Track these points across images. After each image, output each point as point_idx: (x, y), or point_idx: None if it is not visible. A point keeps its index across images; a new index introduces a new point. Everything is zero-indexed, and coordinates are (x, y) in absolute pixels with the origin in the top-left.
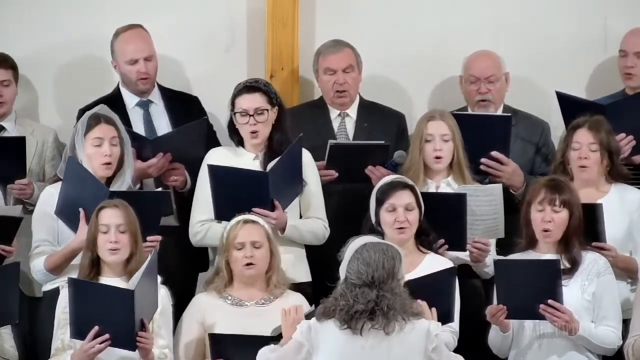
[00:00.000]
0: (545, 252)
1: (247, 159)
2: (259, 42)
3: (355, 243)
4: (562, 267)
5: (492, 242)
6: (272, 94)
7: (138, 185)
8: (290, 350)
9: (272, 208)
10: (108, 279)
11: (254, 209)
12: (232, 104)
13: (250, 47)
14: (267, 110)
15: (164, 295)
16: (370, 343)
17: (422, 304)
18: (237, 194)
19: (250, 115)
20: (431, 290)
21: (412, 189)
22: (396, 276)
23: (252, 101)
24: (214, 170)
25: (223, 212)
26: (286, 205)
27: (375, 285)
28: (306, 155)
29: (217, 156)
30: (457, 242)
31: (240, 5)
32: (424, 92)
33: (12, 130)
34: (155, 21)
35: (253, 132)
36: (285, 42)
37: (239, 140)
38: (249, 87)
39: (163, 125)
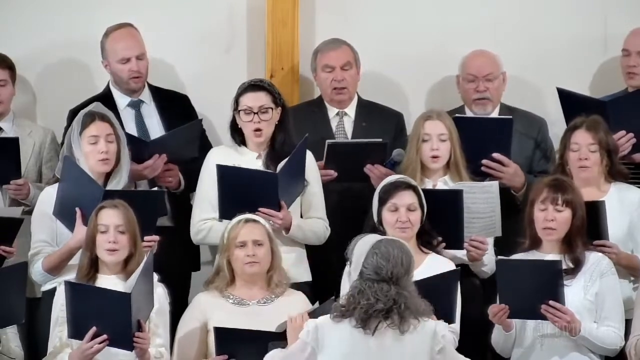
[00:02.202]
0: (548, 252)
1: (250, 158)
2: (259, 41)
3: (365, 240)
4: (565, 267)
5: (490, 241)
6: (276, 94)
7: (132, 187)
8: (295, 350)
9: (279, 208)
10: (106, 278)
11: (260, 209)
12: (236, 102)
13: (250, 46)
14: (271, 108)
15: (161, 294)
16: (378, 343)
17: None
18: (244, 194)
19: (254, 113)
20: (434, 291)
21: (415, 189)
22: (410, 273)
23: (257, 99)
24: (222, 170)
25: (228, 212)
26: (289, 205)
27: (393, 281)
28: (308, 155)
29: (219, 155)
30: (454, 240)
31: (240, 4)
32: (424, 91)
33: (9, 131)
34: (155, 21)
35: (257, 130)
36: (285, 42)
37: (241, 140)
38: (254, 85)
39: (154, 124)
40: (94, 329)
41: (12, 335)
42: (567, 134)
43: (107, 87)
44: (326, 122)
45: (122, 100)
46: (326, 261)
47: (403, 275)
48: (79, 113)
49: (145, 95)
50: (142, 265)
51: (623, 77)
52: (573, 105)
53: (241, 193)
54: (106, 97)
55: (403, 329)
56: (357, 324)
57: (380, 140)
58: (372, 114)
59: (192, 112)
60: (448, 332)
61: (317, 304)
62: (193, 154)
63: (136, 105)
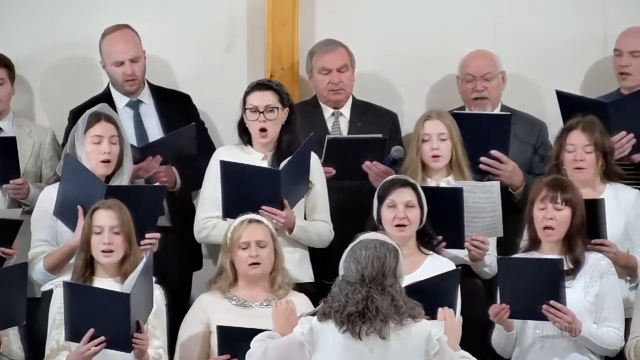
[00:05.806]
0: (548, 253)
1: (256, 159)
2: (259, 42)
3: (354, 242)
4: (565, 267)
5: (492, 241)
6: (284, 94)
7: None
8: (287, 344)
9: (281, 207)
10: (102, 280)
11: (263, 207)
12: (244, 101)
13: (250, 46)
14: (278, 108)
15: (158, 296)
16: (369, 347)
17: (446, 311)
18: (247, 191)
19: (260, 112)
20: (434, 292)
21: (413, 187)
22: (388, 273)
23: (263, 98)
24: (226, 166)
25: (231, 209)
26: (293, 205)
27: (366, 283)
28: (313, 157)
29: (226, 154)
30: (455, 239)
31: (240, 4)
32: (425, 91)
33: (9, 130)
34: (155, 21)
35: (262, 130)
36: (285, 42)
37: (248, 140)
38: (261, 84)
39: (153, 124)
40: (91, 330)
41: (13, 337)
42: (563, 134)
43: (107, 87)
44: (322, 122)
45: (120, 100)
46: (328, 261)
47: (376, 276)
48: (85, 113)
49: (145, 95)
50: (141, 264)
51: (616, 78)
52: (573, 107)
53: (244, 190)
54: (106, 97)
55: (383, 334)
56: (340, 327)
57: (380, 135)
58: (367, 114)
59: (193, 112)
60: (443, 334)
61: (320, 304)
62: (191, 152)
63: (135, 106)
